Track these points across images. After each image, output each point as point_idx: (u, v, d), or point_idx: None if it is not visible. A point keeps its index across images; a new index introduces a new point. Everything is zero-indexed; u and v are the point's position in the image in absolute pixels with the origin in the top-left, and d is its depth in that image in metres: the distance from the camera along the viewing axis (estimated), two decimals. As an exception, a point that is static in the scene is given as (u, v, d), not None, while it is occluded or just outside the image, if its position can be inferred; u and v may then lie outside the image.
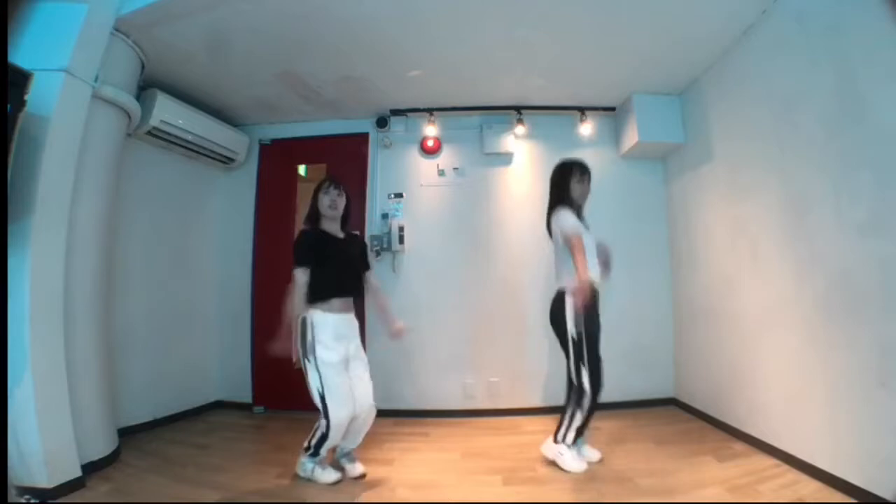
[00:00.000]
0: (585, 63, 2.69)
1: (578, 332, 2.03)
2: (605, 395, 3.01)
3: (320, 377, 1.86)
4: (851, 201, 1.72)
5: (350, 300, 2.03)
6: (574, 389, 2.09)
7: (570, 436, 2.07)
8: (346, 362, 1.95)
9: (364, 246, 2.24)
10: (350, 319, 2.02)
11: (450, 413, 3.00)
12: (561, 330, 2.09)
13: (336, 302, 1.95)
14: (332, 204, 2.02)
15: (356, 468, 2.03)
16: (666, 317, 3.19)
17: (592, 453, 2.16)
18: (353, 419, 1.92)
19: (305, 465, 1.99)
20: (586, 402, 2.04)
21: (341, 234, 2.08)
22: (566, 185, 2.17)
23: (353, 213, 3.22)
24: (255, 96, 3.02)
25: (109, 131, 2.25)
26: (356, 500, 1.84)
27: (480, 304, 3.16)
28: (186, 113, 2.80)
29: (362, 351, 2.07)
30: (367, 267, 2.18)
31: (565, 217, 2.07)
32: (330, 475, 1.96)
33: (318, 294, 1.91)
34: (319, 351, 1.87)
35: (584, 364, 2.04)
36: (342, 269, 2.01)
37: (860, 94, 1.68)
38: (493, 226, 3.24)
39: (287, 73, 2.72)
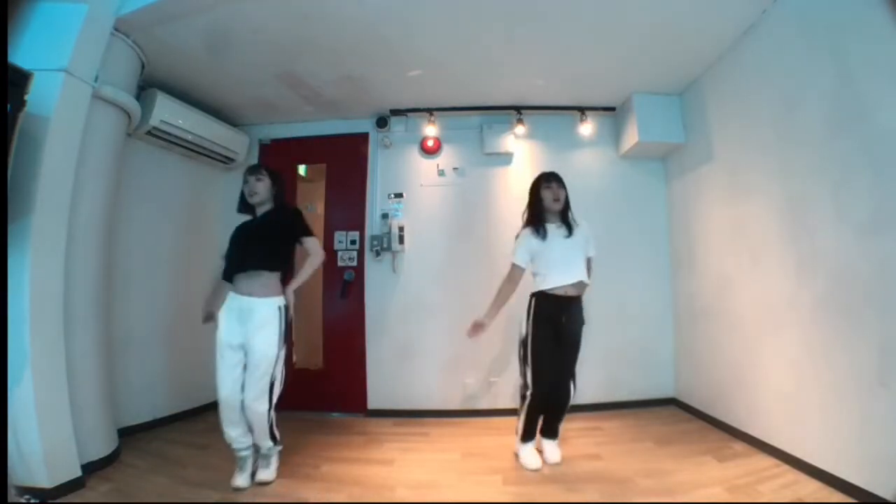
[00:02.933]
0: (585, 63, 2.69)
1: (525, 333, 2.15)
2: (605, 395, 3.05)
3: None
4: (851, 201, 1.72)
5: (258, 280, 1.92)
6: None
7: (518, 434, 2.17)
8: (242, 346, 1.90)
9: (292, 216, 2.07)
10: (252, 302, 1.90)
11: (450, 413, 2.99)
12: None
13: (239, 281, 1.94)
14: (250, 191, 2.03)
15: (260, 473, 1.98)
16: (666, 317, 3.19)
17: (551, 454, 2.18)
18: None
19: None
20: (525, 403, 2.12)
21: (265, 209, 2.06)
22: (534, 197, 2.22)
23: (351, 212, 3.26)
24: (255, 96, 3.02)
25: (109, 131, 2.25)
26: (357, 500, 1.84)
27: (481, 303, 3.14)
28: (186, 113, 2.80)
29: (257, 349, 1.87)
30: (296, 235, 2.04)
31: (517, 241, 2.19)
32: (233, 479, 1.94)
33: (226, 275, 2.01)
34: (217, 330, 1.94)
35: (526, 366, 2.12)
36: (242, 247, 1.98)
37: (860, 94, 1.68)
38: (494, 226, 3.24)
39: (287, 73, 2.72)
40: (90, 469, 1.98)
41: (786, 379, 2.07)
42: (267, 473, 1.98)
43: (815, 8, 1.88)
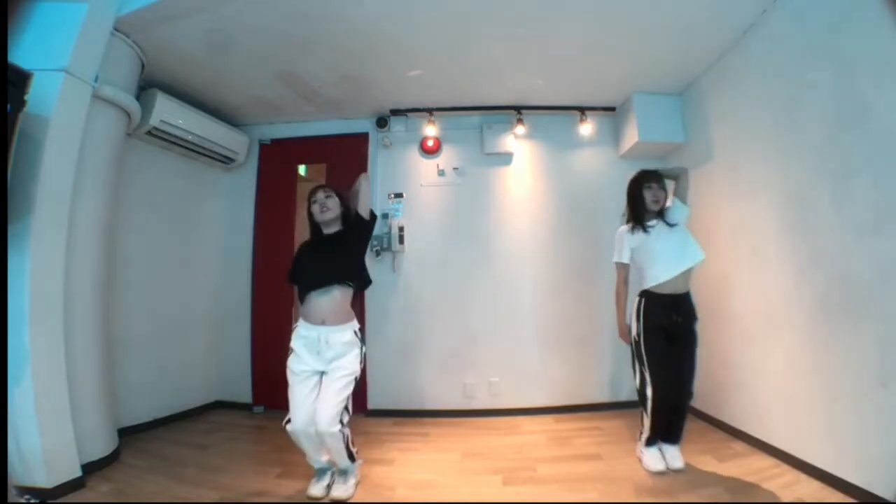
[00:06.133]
0: (585, 63, 2.69)
1: (637, 333, 2.08)
2: (605, 395, 3.05)
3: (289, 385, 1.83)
4: (851, 201, 1.72)
5: (329, 308, 1.83)
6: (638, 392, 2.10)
7: (644, 436, 2.09)
8: (317, 374, 1.83)
9: (356, 219, 1.99)
10: (326, 332, 1.81)
11: (450, 413, 2.99)
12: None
13: (310, 309, 1.84)
14: (322, 207, 1.93)
15: (335, 489, 1.86)
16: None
17: (673, 459, 2.02)
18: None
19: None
20: (648, 404, 2.03)
21: (333, 230, 1.96)
22: (634, 197, 2.16)
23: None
24: (256, 96, 3.02)
25: (109, 131, 2.25)
26: (357, 500, 1.84)
27: (480, 303, 3.16)
28: (186, 113, 2.80)
29: (341, 366, 1.82)
30: (348, 263, 1.93)
31: (616, 241, 2.21)
32: (310, 487, 1.88)
33: (300, 299, 1.90)
34: (290, 359, 1.84)
35: (643, 366, 2.04)
36: (310, 270, 1.89)
37: (860, 93, 1.68)
38: (493, 226, 3.24)
39: (287, 72, 2.73)
40: (90, 469, 1.98)
41: (786, 379, 2.07)
42: (343, 490, 1.84)
43: (815, 8, 1.88)
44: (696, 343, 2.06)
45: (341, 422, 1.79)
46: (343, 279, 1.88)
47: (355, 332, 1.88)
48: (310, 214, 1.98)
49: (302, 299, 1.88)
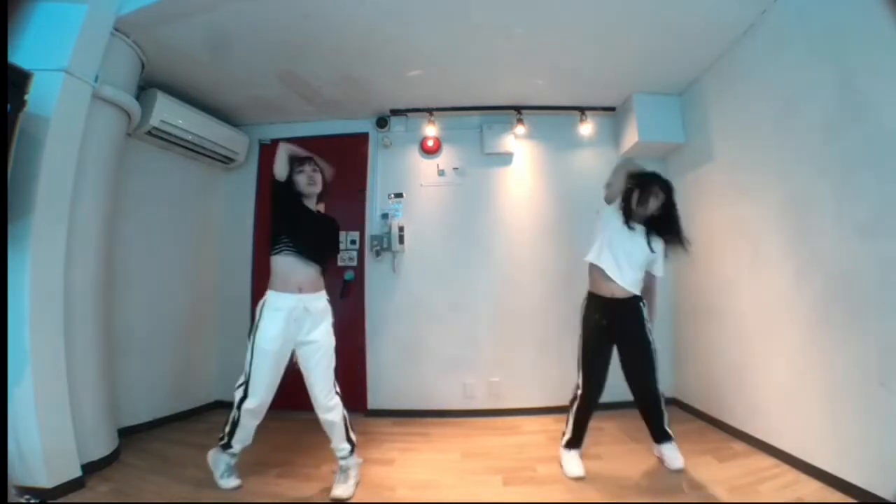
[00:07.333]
0: (585, 63, 2.69)
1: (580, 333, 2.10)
2: (606, 395, 3.03)
3: (251, 360, 1.83)
4: (851, 201, 1.72)
5: (306, 279, 1.87)
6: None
7: (564, 438, 2.11)
8: (286, 355, 1.85)
9: (336, 227, 2.09)
10: (306, 300, 1.85)
11: (450, 413, 2.99)
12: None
13: (288, 276, 1.84)
14: (310, 180, 1.95)
15: (336, 488, 1.85)
16: (666, 317, 3.18)
17: (672, 459, 2.02)
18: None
19: (215, 460, 1.92)
20: (574, 404, 2.06)
21: (316, 208, 2.02)
22: (631, 195, 2.08)
23: (351, 212, 3.25)
24: (256, 96, 3.02)
25: (109, 131, 2.25)
26: (357, 500, 1.84)
27: (480, 303, 3.16)
28: (186, 113, 2.80)
29: (320, 344, 1.87)
30: (333, 251, 2.07)
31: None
32: (228, 482, 1.89)
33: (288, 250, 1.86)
34: (259, 335, 1.82)
35: (578, 368, 2.07)
36: (309, 238, 1.90)
37: (860, 93, 1.68)
38: (493, 226, 3.24)
39: (287, 72, 2.73)
40: (90, 469, 1.98)
41: (786, 379, 2.07)
42: (343, 489, 1.83)
43: (815, 8, 1.88)
44: (647, 346, 2.01)
45: (337, 393, 1.90)
46: (326, 264, 1.99)
47: (328, 301, 1.97)
48: (291, 182, 1.94)
49: (282, 252, 1.85)
